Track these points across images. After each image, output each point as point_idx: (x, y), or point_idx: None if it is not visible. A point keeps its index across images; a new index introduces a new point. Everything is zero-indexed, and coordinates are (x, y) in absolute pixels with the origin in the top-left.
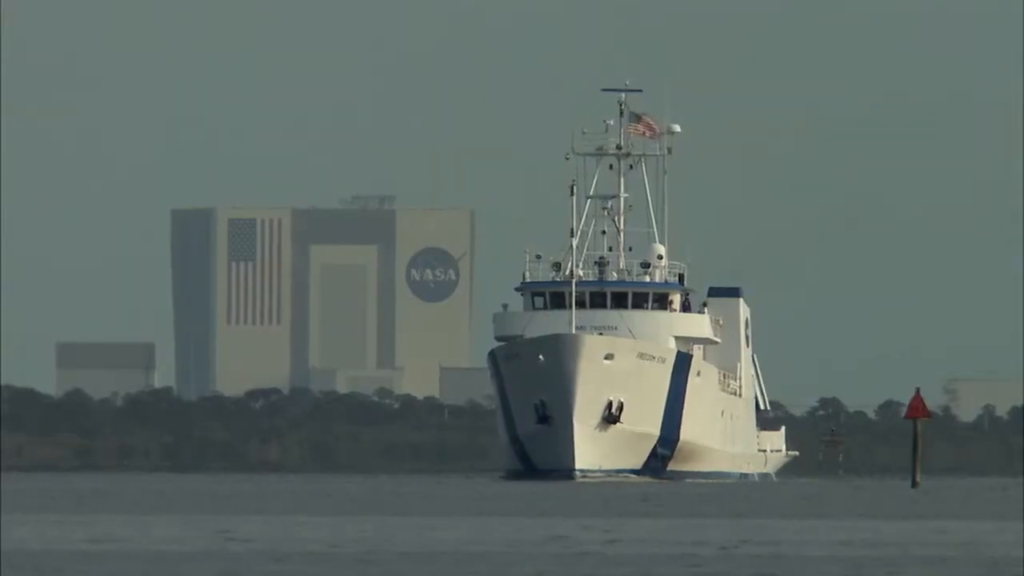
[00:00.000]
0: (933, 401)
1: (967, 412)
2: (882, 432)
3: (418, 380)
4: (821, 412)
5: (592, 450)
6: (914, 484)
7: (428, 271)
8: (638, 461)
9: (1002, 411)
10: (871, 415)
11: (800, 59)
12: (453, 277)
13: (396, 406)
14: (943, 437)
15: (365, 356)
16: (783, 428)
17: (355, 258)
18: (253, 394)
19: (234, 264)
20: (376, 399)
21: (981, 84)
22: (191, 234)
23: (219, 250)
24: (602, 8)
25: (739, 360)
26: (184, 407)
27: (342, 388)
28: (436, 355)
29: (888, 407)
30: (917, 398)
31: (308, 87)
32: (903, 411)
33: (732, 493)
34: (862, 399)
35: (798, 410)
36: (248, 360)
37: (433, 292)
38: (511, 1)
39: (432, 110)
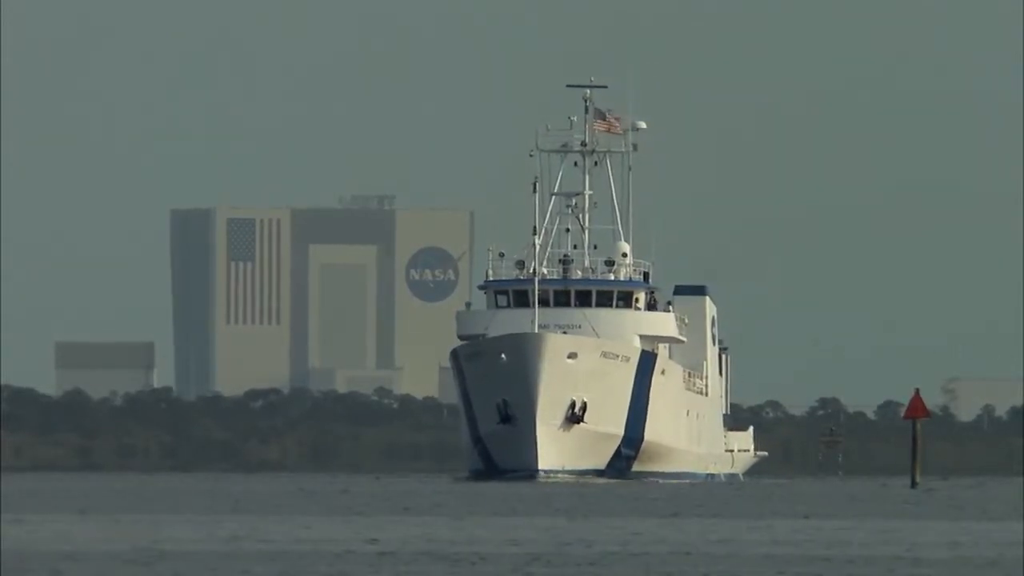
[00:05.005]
0: (932, 401)
1: (967, 412)
2: (882, 432)
3: (418, 380)
4: (821, 412)
5: (555, 450)
6: (914, 484)
7: (428, 271)
8: (602, 461)
9: (1002, 411)
10: (871, 415)
11: (767, 54)
12: (452, 277)
13: (395, 406)
14: (943, 437)
15: (364, 356)
16: (751, 428)
17: (355, 258)
18: (252, 394)
19: (233, 264)
20: (375, 399)
21: (977, 78)
22: (191, 234)
23: (218, 250)
24: (570, 4)
25: (705, 359)
26: (183, 407)
27: (341, 388)
28: (436, 355)
29: (888, 407)
30: (916, 398)
31: (307, 87)
32: (903, 411)
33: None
34: (862, 399)
35: (797, 410)
36: (247, 360)
37: (433, 292)
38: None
39: (431, 110)
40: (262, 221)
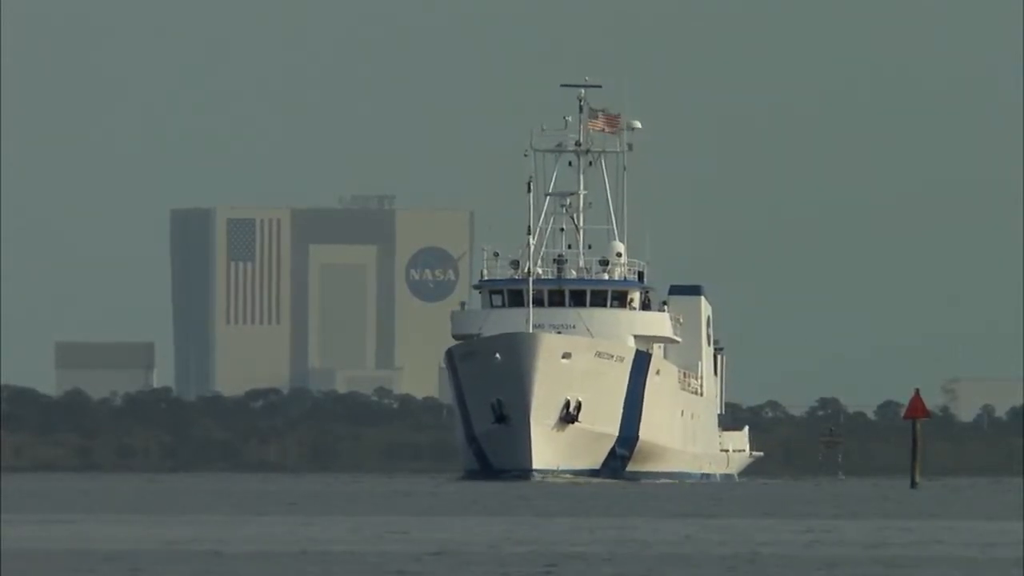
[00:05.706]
0: (932, 401)
1: (966, 412)
2: (882, 432)
3: (418, 380)
4: (820, 412)
5: (549, 450)
6: (913, 484)
7: (427, 271)
8: (596, 461)
9: (1001, 411)
10: (871, 415)
11: (765, 54)
12: (452, 277)
13: (395, 406)
14: (942, 437)
15: (364, 356)
16: (746, 428)
17: (355, 258)
18: (252, 394)
19: (233, 264)
20: (375, 399)
21: (978, 78)
22: (190, 234)
23: (218, 250)
24: (568, 4)
25: (700, 359)
26: (183, 407)
27: (341, 388)
28: (436, 355)
29: (888, 407)
30: (916, 398)
31: (307, 87)
32: (903, 411)
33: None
34: (862, 399)
35: (797, 410)
36: (247, 360)
37: (433, 292)
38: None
39: (431, 110)
40: (262, 221)
